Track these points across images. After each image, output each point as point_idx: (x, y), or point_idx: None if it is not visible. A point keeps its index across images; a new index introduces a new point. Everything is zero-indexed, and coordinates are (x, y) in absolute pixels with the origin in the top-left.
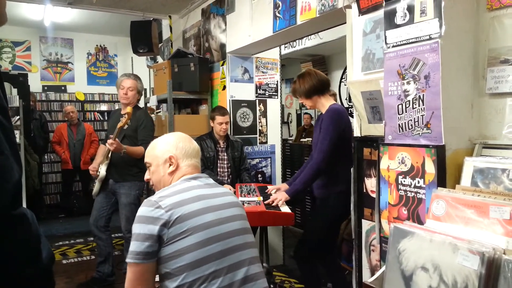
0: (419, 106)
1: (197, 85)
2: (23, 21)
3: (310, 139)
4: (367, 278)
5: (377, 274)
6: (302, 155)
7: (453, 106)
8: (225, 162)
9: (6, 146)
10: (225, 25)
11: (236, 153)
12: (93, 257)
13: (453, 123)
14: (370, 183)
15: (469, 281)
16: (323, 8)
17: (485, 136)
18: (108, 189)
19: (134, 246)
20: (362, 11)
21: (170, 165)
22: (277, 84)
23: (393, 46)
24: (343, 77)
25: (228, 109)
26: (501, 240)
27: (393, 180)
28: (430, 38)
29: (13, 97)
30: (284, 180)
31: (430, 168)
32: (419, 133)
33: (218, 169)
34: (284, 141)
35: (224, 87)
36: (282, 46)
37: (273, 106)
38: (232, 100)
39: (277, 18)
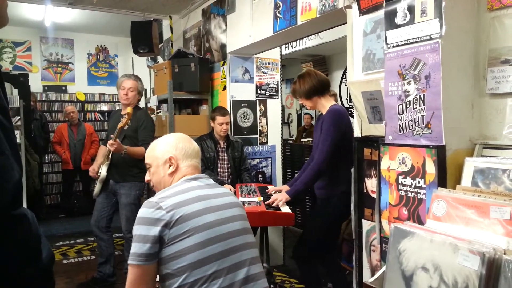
0: (419, 106)
1: (197, 85)
2: (24, 21)
3: (311, 139)
4: (367, 278)
5: (378, 274)
6: (303, 155)
7: (454, 106)
8: (226, 162)
9: (7, 146)
10: (226, 25)
11: (237, 153)
12: (93, 257)
13: (453, 123)
14: (371, 183)
15: (470, 281)
16: (323, 8)
17: (486, 136)
18: (109, 190)
19: (136, 247)
20: (362, 11)
21: (170, 165)
22: (277, 84)
23: (394, 46)
24: (344, 77)
25: (229, 109)
26: (502, 240)
27: (394, 180)
28: (431, 38)
29: (14, 97)
30: (284, 180)
31: (431, 168)
32: (419, 133)
33: (219, 169)
34: (284, 141)
35: (225, 87)
36: (283, 46)
37: (274, 106)
38: (232, 100)
39: (278, 18)
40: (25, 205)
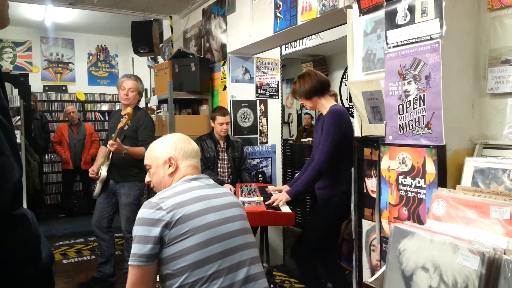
0: (419, 106)
1: (197, 85)
2: (24, 21)
3: (311, 139)
4: (367, 278)
5: (377, 274)
6: (303, 155)
7: (454, 106)
8: (226, 162)
9: (7, 146)
10: (226, 25)
11: (237, 153)
12: (93, 257)
13: (453, 123)
14: (371, 183)
15: (470, 281)
16: (323, 8)
17: (486, 136)
18: (109, 190)
19: (136, 248)
20: (362, 11)
21: (169, 166)
22: (277, 84)
23: (394, 46)
24: (344, 77)
25: (229, 109)
26: (502, 240)
27: (394, 180)
28: (431, 38)
29: (14, 97)
30: (284, 180)
31: (431, 168)
32: (419, 133)
33: (219, 169)
34: (284, 141)
35: (225, 87)
36: (283, 46)
37: (274, 106)
38: (232, 100)
39: (278, 19)
40: (25, 205)
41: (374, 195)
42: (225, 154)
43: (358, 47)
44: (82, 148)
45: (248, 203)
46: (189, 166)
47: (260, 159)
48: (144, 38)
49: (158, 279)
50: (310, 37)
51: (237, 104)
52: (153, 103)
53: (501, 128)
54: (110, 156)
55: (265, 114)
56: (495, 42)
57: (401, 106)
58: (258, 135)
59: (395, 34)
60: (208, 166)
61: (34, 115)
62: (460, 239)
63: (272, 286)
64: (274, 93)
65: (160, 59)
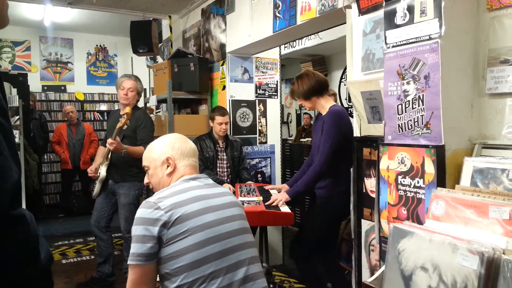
0: (418, 106)
1: (197, 85)
2: (23, 21)
3: (310, 139)
4: (366, 278)
5: (377, 274)
6: (302, 155)
7: (453, 106)
8: (225, 162)
9: (5, 146)
10: (225, 25)
11: (236, 153)
12: (92, 257)
13: (452, 123)
14: (370, 183)
15: (469, 281)
16: (323, 8)
17: (485, 136)
18: (108, 190)
19: (135, 248)
20: (362, 11)
21: (168, 166)
22: (277, 84)
23: (393, 46)
24: (343, 77)
25: (228, 109)
26: (501, 240)
27: (393, 180)
28: (430, 38)
29: (13, 97)
30: (283, 180)
31: (430, 168)
32: (418, 133)
33: (218, 169)
34: (283, 141)
35: (224, 87)
36: (282, 46)
37: (273, 106)
38: (231, 100)
39: (277, 18)
40: (24, 205)
41: (373, 195)
42: (224, 154)
43: (357, 47)
44: (81, 148)
45: (248, 203)
46: (187, 166)
47: (259, 159)
48: (143, 38)
49: (158, 278)
50: (309, 37)
51: (236, 104)
52: (152, 103)
53: (500, 128)
54: (109, 156)
55: (264, 114)
56: (494, 42)
57: (400, 106)
58: (257, 135)
59: (394, 34)
60: (207, 166)
61: (33, 115)
62: (459, 239)
63: (271, 286)
64: (273, 93)
65: (159, 59)
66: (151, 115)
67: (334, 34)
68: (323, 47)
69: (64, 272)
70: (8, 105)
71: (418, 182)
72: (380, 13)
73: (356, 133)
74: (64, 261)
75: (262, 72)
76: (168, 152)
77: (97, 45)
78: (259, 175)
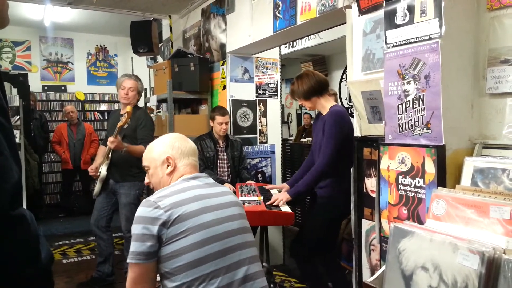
0: (419, 106)
1: (197, 85)
2: (23, 21)
3: (310, 139)
4: (367, 277)
5: (377, 273)
6: (302, 155)
7: (453, 106)
8: (225, 161)
9: (6, 146)
10: (225, 25)
11: (236, 153)
12: (93, 256)
13: (453, 123)
14: (370, 183)
15: (469, 280)
16: (323, 8)
17: (485, 136)
18: (109, 189)
19: (134, 246)
20: (362, 11)
21: (168, 165)
22: (277, 84)
23: (393, 46)
24: (343, 77)
25: (228, 109)
26: (501, 239)
27: (393, 180)
28: (430, 38)
29: (13, 97)
30: (284, 180)
31: (430, 168)
32: (419, 133)
33: (218, 169)
34: (284, 141)
35: (224, 87)
36: (282, 46)
37: (273, 106)
38: (232, 100)
39: (277, 18)
40: (24, 205)
41: (374, 195)
42: (225, 153)
43: (358, 47)
44: (81, 147)
45: (248, 203)
46: (187, 165)
47: (260, 159)
48: (143, 38)
49: (158, 278)
50: (309, 36)
51: (237, 104)
52: (153, 102)
53: (500, 128)
54: (110, 155)
55: (264, 114)
56: (494, 42)
57: (400, 106)
58: (257, 135)
59: (395, 34)
60: (207, 165)
61: (33, 114)
62: (459, 239)
63: (272, 285)
64: (274, 93)
65: (159, 59)
66: (152, 115)
67: (334, 34)
68: (323, 47)
69: (64, 271)
70: (9, 105)
71: (418, 182)
72: (380, 13)
73: (357, 133)
74: (64, 261)
75: (263, 72)
76: (168, 151)
77: (97, 45)
78: (259, 175)
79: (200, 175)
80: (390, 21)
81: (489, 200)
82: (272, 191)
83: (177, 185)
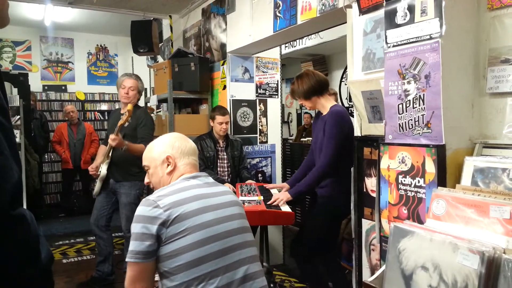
0: (419, 105)
1: (197, 84)
2: (24, 21)
3: (310, 138)
4: (367, 277)
5: (377, 273)
6: (302, 155)
7: (454, 105)
8: (225, 161)
9: (6, 146)
10: (226, 24)
11: (236, 152)
12: (93, 256)
13: (453, 123)
14: (370, 183)
15: (469, 280)
16: (323, 7)
17: (486, 136)
18: (109, 189)
19: (133, 245)
20: (362, 11)
21: (168, 165)
22: (277, 84)
23: (394, 46)
24: (344, 76)
25: (229, 109)
26: (501, 239)
27: (393, 179)
28: (431, 38)
29: (14, 97)
30: (284, 179)
31: (430, 168)
32: (419, 133)
33: (218, 169)
34: (284, 141)
35: (225, 87)
36: (283, 46)
37: (274, 105)
38: (232, 99)
39: (278, 18)
40: (25, 205)
41: (374, 195)
42: (225, 153)
43: (358, 47)
44: (81, 147)
45: (248, 203)
46: (187, 164)
47: (260, 159)
48: (143, 38)
49: (157, 278)
50: (309, 36)
51: (237, 103)
52: (153, 102)
53: (500, 128)
54: (110, 154)
55: (264, 113)
56: (494, 41)
57: (400, 106)
58: (257, 135)
59: (395, 34)
60: (207, 165)
61: (33, 114)
62: (459, 239)
63: (272, 285)
64: (274, 93)
65: (159, 59)
66: (152, 115)
67: (335, 33)
68: (324, 47)
69: (64, 271)
70: (9, 104)
71: (418, 182)
72: (380, 13)
73: (357, 132)
74: (64, 261)
75: (263, 72)
76: (168, 151)
77: (97, 45)
78: (259, 175)
79: (200, 175)
80: (390, 21)
81: (489, 199)
82: (272, 191)
83: (177, 185)
